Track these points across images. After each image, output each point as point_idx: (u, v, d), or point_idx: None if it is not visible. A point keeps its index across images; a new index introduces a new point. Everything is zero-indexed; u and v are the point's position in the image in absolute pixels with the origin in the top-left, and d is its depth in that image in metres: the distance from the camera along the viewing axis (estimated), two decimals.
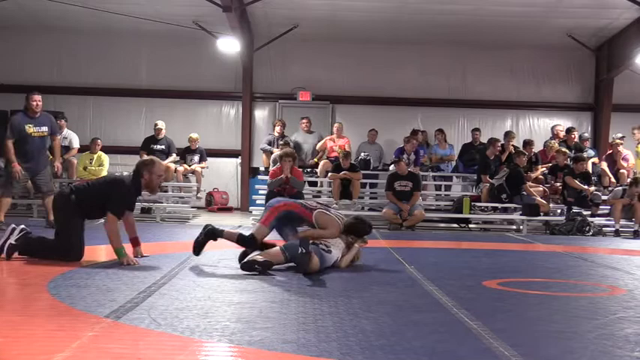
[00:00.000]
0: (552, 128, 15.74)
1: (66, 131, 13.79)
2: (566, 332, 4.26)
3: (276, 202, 6.97)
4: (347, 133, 15.19)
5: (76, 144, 13.79)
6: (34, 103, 9.84)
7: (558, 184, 13.39)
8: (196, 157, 14.61)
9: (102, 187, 6.73)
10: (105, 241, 6.58)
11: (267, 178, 12.54)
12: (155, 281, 5.50)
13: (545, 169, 13.98)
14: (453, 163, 15.24)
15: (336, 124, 15.01)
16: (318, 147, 14.66)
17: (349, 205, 12.93)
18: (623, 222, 12.46)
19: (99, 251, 7.48)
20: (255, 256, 6.26)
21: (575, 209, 12.86)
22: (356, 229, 6.92)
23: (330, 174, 13.24)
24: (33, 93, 10.00)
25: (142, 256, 6.84)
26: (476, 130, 15.17)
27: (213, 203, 15.99)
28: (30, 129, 9.87)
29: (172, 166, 13.92)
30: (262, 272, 6.02)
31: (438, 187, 15.16)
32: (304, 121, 15.05)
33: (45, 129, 10.01)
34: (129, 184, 6.66)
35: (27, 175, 10.10)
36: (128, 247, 6.70)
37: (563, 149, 13.97)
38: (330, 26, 15.95)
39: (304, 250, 6.05)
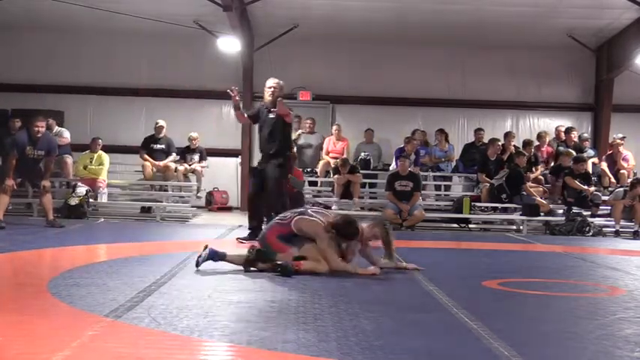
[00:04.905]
0: (556, 129, 15.71)
1: (57, 129, 13.76)
2: (566, 332, 4.26)
3: (265, 236, 6.45)
4: (347, 133, 15.15)
5: (67, 134, 13.88)
6: (36, 129, 10.29)
7: (559, 183, 13.39)
8: (196, 157, 14.59)
9: None
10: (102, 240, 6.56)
11: None
12: (155, 281, 5.50)
13: (547, 170, 13.98)
14: (453, 163, 15.22)
15: (334, 126, 14.99)
16: (323, 154, 14.60)
17: (350, 205, 12.93)
18: (623, 222, 12.45)
19: (99, 251, 7.49)
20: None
21: (575, 209, 12.86)
22: (341, 231, 6.24)
23: (336, 177, 13.17)
24: (37, 119, 10.44)
25: None
26: (479, 130, 15.11)
27: (213, 203, 15.96)
28: (29, 151, 10.34)
29: (172, 165, 13.92)
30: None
31: (438, 187, 15.13)
32: (308, 121, 15.03)
33: (41, 152, 10.45)
34: None
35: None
36: None
37: (569, 150, 13.95)
38: (330, 26, 15.92)
39: None
